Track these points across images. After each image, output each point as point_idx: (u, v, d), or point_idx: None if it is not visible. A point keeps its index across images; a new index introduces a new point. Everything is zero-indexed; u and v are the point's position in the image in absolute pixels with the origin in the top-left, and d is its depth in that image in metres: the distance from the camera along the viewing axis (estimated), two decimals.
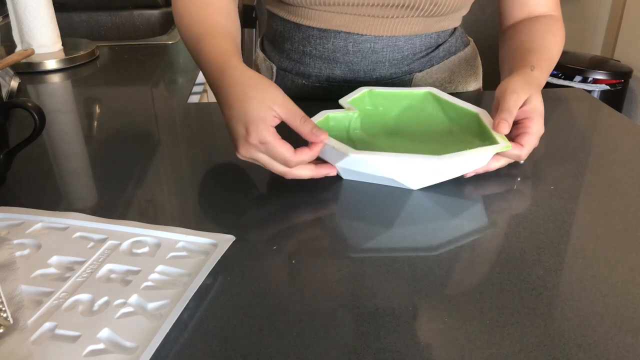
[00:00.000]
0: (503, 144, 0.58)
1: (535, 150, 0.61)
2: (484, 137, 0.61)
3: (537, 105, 0.61)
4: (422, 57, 0.82)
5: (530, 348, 0.39)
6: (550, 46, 0.72)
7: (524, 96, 0.60)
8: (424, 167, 0.56)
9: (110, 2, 1.58)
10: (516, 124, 0.61)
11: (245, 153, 0.56)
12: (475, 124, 0.64)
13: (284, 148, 0.55)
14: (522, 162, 0.63)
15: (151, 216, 0.56)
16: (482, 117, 0.63)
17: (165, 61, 1.15)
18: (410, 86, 0.83)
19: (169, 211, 0.57)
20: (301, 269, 0.48)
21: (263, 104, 0.55)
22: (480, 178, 0.61)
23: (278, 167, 0.56)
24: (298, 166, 0.56)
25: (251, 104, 0.55)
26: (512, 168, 0.63)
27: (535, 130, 0.60)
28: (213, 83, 0.61)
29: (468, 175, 0.61)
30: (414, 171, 0.57)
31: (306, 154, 0.56)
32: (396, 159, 0.56)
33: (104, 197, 0.59)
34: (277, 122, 0.56)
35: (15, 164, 0.62)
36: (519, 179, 0.62)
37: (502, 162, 0.61)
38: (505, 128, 0.59)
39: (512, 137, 0.61)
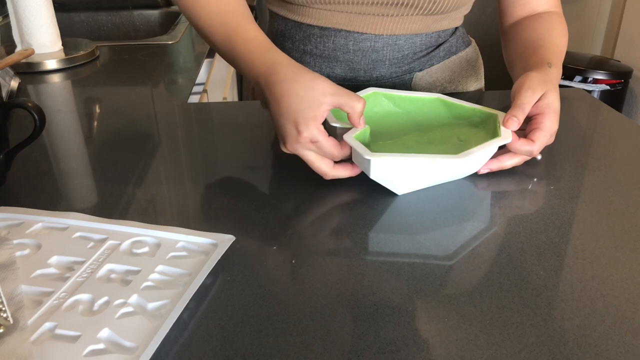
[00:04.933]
0: (507, 137, 0.58)
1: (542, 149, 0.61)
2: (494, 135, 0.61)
3: (552, 102, 0.60)
4: (423, 56, 0.82)
5: (530, 348, 0.39)
6: (558, 42, 0.72)
7: (540, 92, 0.60)
8: (447, 167, 0.56)
9: (110, 2, 1.58)
10: (530, 119, 0.61)
11: (293, 150, 0.57)
12: (492, 126, 0.63)
13: (332, 144, 0.57)
14: (538, 158, 0.63)
15: (151, 216, 0.56)
16: (500, 119, 0.62)
17: (165, 61, 1.15)
18: (411, 85, 0.83)
19: (169, 211, 0.57)
20: (301, 269, 0.48)
21: (313, 102, 0.55)
22: (480, 178, 0.61)
23: (321, 167, 0.58)
24: (337, 167, 0.58)
25: (301, 103, 0.55)
26: (512, 168, 0.63)
27: (547, 127, 0.60)
28: (256, 78, 0.61)
29: (482, 172, 0.61)
30: (435, 172, 0.57)
31: (348, 148, 0.58)
32: (424, 160, 0.55)
33: (104, 197, 0.59)
34: (327, 114, 0.57)
35: (15, 164, 0.62)
36: (519, 179, 0.62)
37: (516, 160, 0.61)
38: (514, 125, 0.59)
39: (525, 133, 0.61)
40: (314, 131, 0.55)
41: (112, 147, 0.72)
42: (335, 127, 0.61)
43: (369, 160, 0.55)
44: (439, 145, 0.62)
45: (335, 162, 0.59)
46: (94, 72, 1.07)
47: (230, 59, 0.65)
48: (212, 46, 0.68)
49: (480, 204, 0.57)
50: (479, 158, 0.58)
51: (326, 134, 0.56)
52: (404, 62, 0.81)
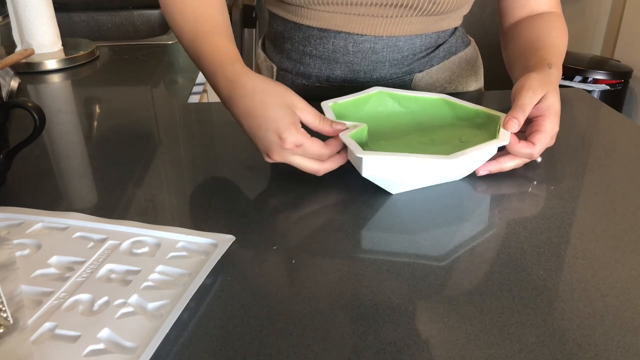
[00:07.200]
0: (504, 139, 0.58)
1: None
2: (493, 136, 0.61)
3: (552, 103, 0.60)
4: (422, 57, 0.82)
5: (530, 348, 0.39)
6: (559, 43, 0.72)
7: (541, 93, 0.60)
8: (438, 167, 0.56)
9: (110, 2, 1.58)
10: (530, 121, 0.61)
11: (280, 158, 0.57)
12: (494, 127, 0.63)
13: (317, 144, 0.57)
14: (538, 161, 0.63)
15: (151, 216, 0.56)
16: (502, 121, 0.61)
17: (165, 61, 1.15)
18: (411, 86, 0.83)
19: (169, 211, 0.57)
20: (301, 269, 0.48)
21: (287, 109, 0.56)
22: (481, 179, 0.61)
23: (311, 166, 0.58)
24: (326, 161, 0.58)
25: (277, 111, 0.56)
26: (511, 169, 0.62)
27: (548, 129, 0.59)
28: (219, 90, 0.61)
29: (480, 174, 0.61)
30: (426, 172, 0.57)
31: (334, 145, 0.58)
32: (413, 160, 0.55)
33: (104, 197, 0.59)
34: (299, 120, 0.57)
35: (15, 164, 0.62)
36: (519, 179, 0.62)
37: (516, 162, 0.61)
38: (515, 126, 0.58)
39: (525, 135, 0.60)
40: (298, 135, 0.55)
41: (112, 147, 0.72)
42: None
43: (360, 158, 0.55)
44: (440, 146, 0.62)
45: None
46: (94, 72, 1.07)
47: (198, 67, 0.65)
48: (184, 50, 0.68)
49: (480, 204, 0.57)
50: (472, 159, 0.58)
51: (309, 136, 0.56)
52: (404, 63, 0.81)
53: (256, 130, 0.57)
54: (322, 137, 0.58)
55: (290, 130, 0.55)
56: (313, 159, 0.58)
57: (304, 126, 0.57)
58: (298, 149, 0.56)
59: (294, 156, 0.57)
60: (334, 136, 0.59)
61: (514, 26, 0.79)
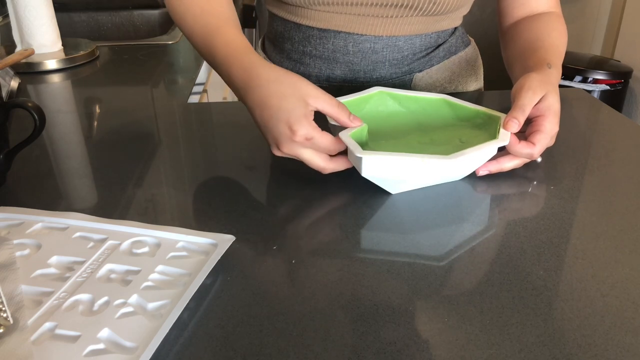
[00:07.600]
0: (504, 140, 0.58)
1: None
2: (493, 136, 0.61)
3: (552, 104, 0.60)
4: (422, 57, 0.82)
5: (530, 348, 0.39)
6: (558, 43, 0.72)
7: (540, 93, 0.60)
8: (438, 167, 0.56)
9: (110, 2, 1.58)
10: (530, 121, 0.61)
11: (289, 151, 0.57)
12: (495, 128, 0.63)
13: (327, 138, 0.56)
14: (538, 161, 0.63)
15: (151, 216, 0.56)
16: (502, 120, 0.61)
17: (165, 61, 1.15)
18: (410, 86, 0.83)
19: (169, 211, 0.57)
20: (301, 269, 0.48)
21: (301, 101, 0.56)
22: (481, 179, 0.61)
23: (318, 163, 0.57)
24: (334, 160, 0.58)
25: (290, 102, 0.55)
26: (511, 170, 0.62)
27: (548, 129, 0.59)
28: (234, 82, 0.61)
29: (480, 174, 0.61)
30: (426, 172, 0.57)
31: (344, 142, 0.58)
32: (414, 160, 0.55)
33: (104, 197, 0.59)
34: (313, 112, 0.57)
35: (15, 164, 0.62)
36: (519, 179, 0.62)
37: (516, 162, 0.61)
38: (515, 126, 0.58)
39: (525, 135, 0.60)
40: (309, 128, 0.55)
41: (113, 147, 0.72)
42: (335, 126, 0.61)
43: (360, 158, 0.55)
44: (440, 146, 0.62)
45: (331, 157, 0.58)
46: (94, 72, 1.07)
47: (211, 62, 0.65)
48: (195, 48, 0.68)
49: (480, 205, 0.57)
50: (471, 160, 0.58)
51: (319, 129, 0.56)
52: (404, 63, 0.81)
53: (267, 121, 0.57)
54: None
55: (301, 122, 0.55)
56: (321, 155, 0.57)
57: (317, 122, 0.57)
58: (308, 142, 0.56)
59: (303, 149, 0.56)
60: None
61: (514, 26, 0.79)
